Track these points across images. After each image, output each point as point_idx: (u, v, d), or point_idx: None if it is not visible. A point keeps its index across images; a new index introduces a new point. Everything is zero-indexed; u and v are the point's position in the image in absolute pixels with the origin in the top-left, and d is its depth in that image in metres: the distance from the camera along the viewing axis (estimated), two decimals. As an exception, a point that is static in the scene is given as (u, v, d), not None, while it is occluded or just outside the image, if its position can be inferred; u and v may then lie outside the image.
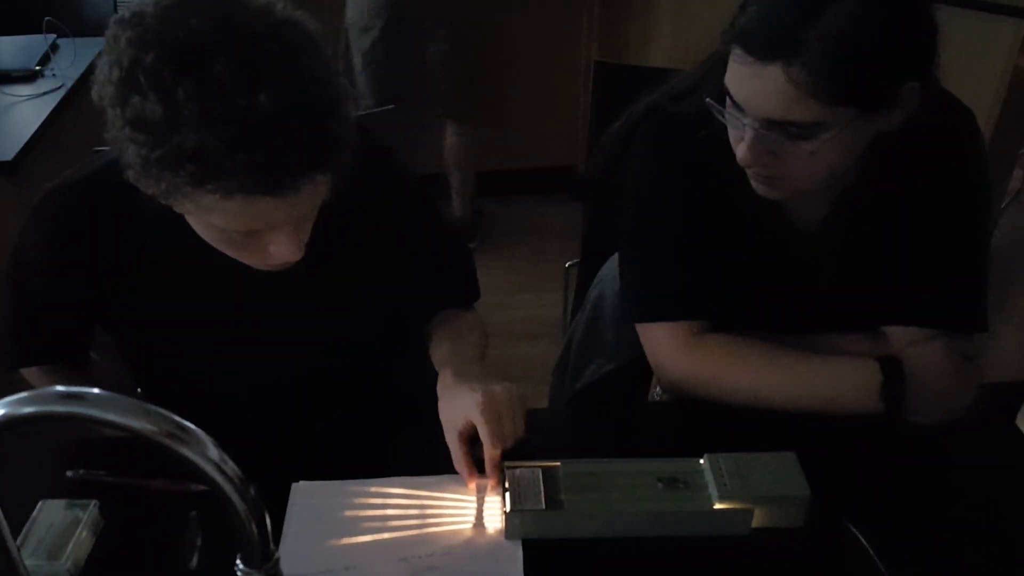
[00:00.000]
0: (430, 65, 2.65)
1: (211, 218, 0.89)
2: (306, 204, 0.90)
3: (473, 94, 2.76)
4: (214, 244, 0.95)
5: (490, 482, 0.99)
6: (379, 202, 1.12)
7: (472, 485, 0.99)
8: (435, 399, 1.06)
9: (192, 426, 0.58)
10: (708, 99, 1.01)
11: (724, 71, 0.98)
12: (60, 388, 0.58)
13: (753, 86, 0.94)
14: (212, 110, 0.79)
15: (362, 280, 1.15)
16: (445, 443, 1.02)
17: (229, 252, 0.96)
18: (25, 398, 0.57)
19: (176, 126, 0.79)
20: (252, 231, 0.91)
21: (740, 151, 0.99)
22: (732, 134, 1.02)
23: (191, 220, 0.94)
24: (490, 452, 0.98)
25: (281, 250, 0.92)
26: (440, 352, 1.16)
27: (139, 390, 1.25)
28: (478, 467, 0.99)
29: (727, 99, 0.99)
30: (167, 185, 0.84)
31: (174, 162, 0.81)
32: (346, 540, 0.96)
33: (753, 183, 1.05)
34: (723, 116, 1.01)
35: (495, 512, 0.98)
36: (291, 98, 0.80)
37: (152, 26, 0.80)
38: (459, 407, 1.00)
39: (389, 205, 1.14)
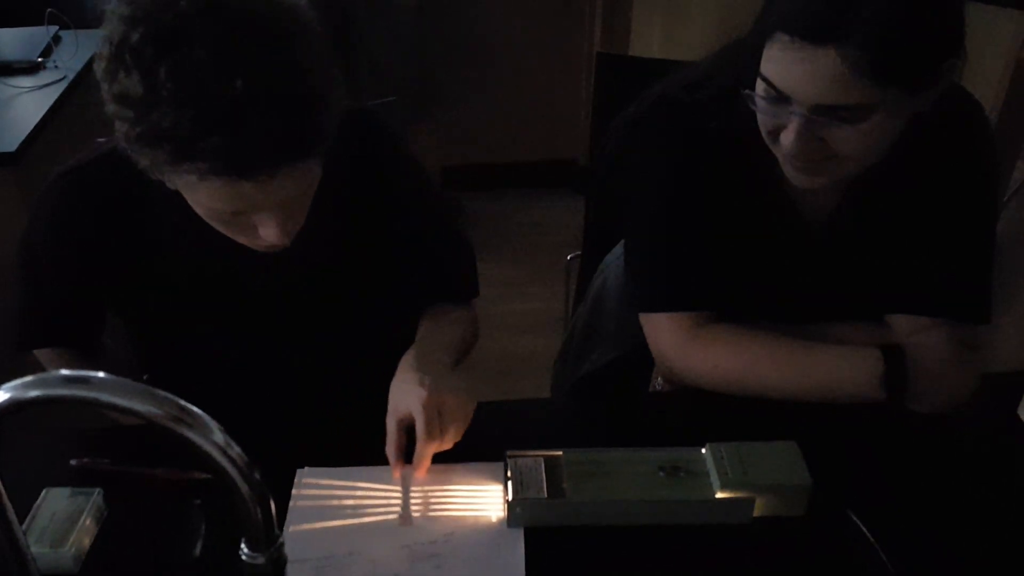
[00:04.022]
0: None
1: (197, 196, 0.90)
2: (290, 189, 0.89)
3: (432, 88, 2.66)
4: (207, 220, 0.95)
5: (416, 474, 0.99)
6: (381, 190, 1.12)
7: (397, 474, 0.99)
8: None
9: (197, 410, 0.58)
10: (746, 90, 0.98)
11: (750, 60, 0.96)
12: (65, 372, 0.58)
13: (804, 71, 0.91)
14: (188, 91, 0.80)
15: (363, 267, 1.15)
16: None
17: (221, 230, 0.96)
18: (30, 382, 0.58)
19: (155, 105, 0.80)
20: (238, 212, 0.91)
21: (787, 141, 0.96)
22: (768, 123, 0.99)
23: (185, 196, 0.94)
24: (421, 447, 0.98)
25: (269, 232, 0.93)
26: (417, 335, 1.15)
27: (145, 377, 1.25)
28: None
29: (763, 88, 0.96)
30: (150, 161, 0.86)
31: (152, 140, 0.82)
32: (350, 526, 0.96)
33: (791, 174, 1.02)
34: (755, 104, 0.98)
35: (496, 501, 0.98)
36: (269, 85, 0.81)
37: (143, 4, 0.82)
38: (405, 396, 1.00)
39: (391, 193, 1.13)
